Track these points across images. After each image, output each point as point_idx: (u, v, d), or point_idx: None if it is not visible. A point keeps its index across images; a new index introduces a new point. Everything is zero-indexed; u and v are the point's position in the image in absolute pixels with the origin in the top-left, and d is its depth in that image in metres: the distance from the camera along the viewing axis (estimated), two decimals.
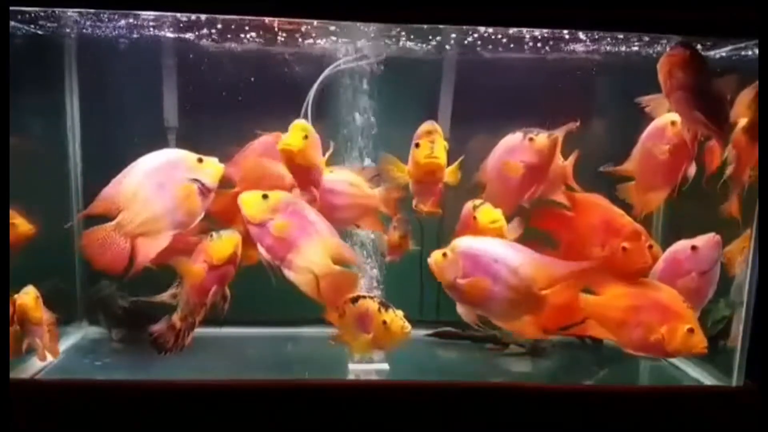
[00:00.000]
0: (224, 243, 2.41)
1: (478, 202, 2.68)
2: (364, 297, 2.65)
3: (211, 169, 2.44)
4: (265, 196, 2.42)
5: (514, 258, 2.37)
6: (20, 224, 2.76)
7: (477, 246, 2.43)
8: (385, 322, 2.57)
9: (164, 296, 2.51)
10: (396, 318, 2.59)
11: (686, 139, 2.58)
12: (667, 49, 2.80)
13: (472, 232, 2.61)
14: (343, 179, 2.68)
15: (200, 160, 2.43)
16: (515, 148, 2.68)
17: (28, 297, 2.47)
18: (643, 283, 2.49)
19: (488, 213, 2.62)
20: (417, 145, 2.59)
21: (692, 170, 2.71)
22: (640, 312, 2.41)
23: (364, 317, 2.61)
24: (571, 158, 2.82)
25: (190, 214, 2.41)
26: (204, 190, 2.42)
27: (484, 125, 3.22)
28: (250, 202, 2.42)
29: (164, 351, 2.49)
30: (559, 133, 2.67)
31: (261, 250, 2.40)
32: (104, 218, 2.42)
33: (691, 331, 2.32)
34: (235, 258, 2.42)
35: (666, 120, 2.74)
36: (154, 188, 2.38)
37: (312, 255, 2.41)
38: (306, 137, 2.43)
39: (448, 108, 3.28)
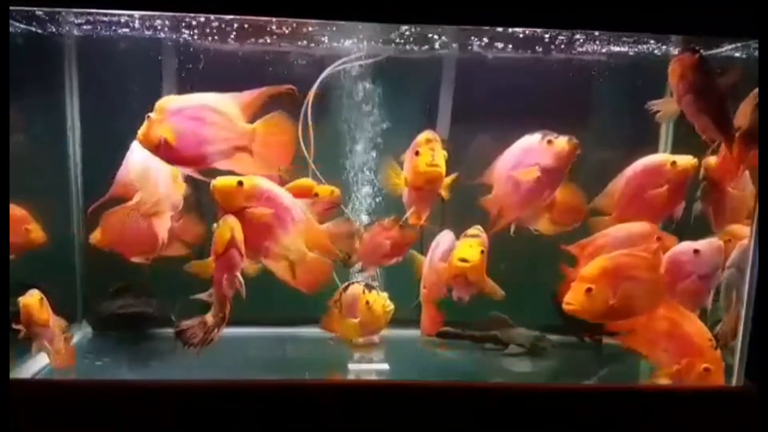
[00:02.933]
0: (221, 230, 2.34)
1: (472, 231, 2.69)
2: (353, 283, 2.79)
3: None
4: (240, 183, 2.34)
5: None
6: (33, 230, 2.79)
7: None
8: (367, 303, 2.71)
9: (203, 296, 2.47)
10: (378, 298, 2.72)
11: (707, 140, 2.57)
12: (671, 49, 2.83)
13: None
14: None
15: None
16: (532, 149, 2.62)
17: (32, 299, 2.46)
18: (681, 312, 2.50)
19: (463, 249, 2.61)
20: (417, 153, 2.58)
21: (680, 210, 2.77)
22: (671, 339, 2.46)
23: (353, 302, 2.74)
24: (559, 191, 2.77)
25: (180, 196, 2.57)
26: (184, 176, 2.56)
27: (483, 126, 3.23)
28: (224, 190, 2.35)
29: (190, 345, 2.41)
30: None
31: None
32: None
33: (707, 370, 2.38)
34: (234, 242, 2.32)
35: (664, 159, 2.80)
36: (157, 171, 2.51)
37: (288, 242, 2.39)
38: (148, 117, 2.31)
39: (448, 109, 3.29)
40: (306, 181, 2.75)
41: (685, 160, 2.77)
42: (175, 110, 2.33)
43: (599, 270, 2.43)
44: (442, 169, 2.58)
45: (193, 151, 2.34)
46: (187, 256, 2.85)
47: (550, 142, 2.55)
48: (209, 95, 2.39)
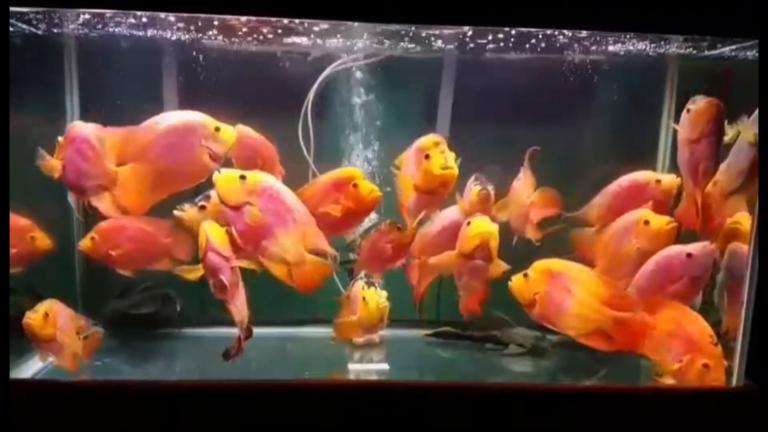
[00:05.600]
0: (199, 236, 2.30)
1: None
2: (359, 279, 2.83)
3: (226, 137, 2.49)
4: (242, 177, 2.31)
5: None
6: (39, 238, 2.77)
7: None
8: (364, 299, 2.74)
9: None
10: (374, 294, 2.74)
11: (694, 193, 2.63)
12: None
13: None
14: None
15: (217, 129, 2.48)
16: (467, 188, 2.82)
17: (35, 316, 2.44)
18: (682, 311, 2.53)
19: (479, 223, 2.63)
20: (427, 157, 2.56)
21: None
22: (673, 339, 2.48)
23: (355, 298, 2.78)
24: (535, 196, 2.94)
25: (193, 178, 2.52)
26: (214, 157, 2.48)
27: (483, 126, 3.24)
28: (226, 183, 2.30)
29: (228, 357, 2.38)
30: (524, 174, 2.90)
31: (234, 233, 2.31)
32: None
33: (705, 366, 2.39)
34: (210, 246, 2.25)
35: (649, 177, 2.90)
36: (165, 148, 2.46)
37: (287, 243, 2.34)
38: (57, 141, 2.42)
39: (448, 108, 3.29)
40: (351, 170, 2.67)
41: (669, 179, 2.87)
42: (71, 139, 2.43)
43: (545, 266, 2.57)
44: (456, 170, 2.58)
45: (73, 182, 2.45)
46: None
47: (473, 188, 2.76)
48: (94, 128, 2.47)
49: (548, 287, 2.53)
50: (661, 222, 2.74)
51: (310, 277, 2.43)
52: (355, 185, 2.58)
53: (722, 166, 2.63)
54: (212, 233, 2.28)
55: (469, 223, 2.65)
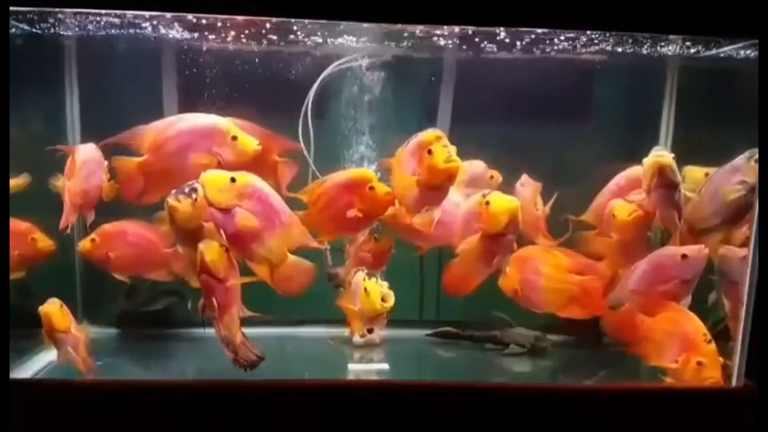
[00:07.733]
0: (198, 255, 2.31)
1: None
2: (359, 270, 2.85)
3: (243, 148, 2.50)
4: (232, 180, 2.28)
5: None
6: (40, 239, 2.77)
7: None
8: (366, 289, 2.74)
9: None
10: (375, 285, 2.74)
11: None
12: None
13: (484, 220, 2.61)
14: None
15: (234, 138, 2.49)
16: None
17: (52, 306, 2.44)
18: (678, 310, 2.55)
19: (500, 198, 2.58)
20: (430, 152, 2.53)
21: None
22: (671, 338, 2.51)
23: (356, 289, 2.81)
24: (544, 209, 3.01)
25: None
26: (224, 165, 2.47)
27: (483, 126, 3.24)
28: (215, 185, 2.27)
29: (245, 367, 2.42)
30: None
31: (222, 236, 2.29)
32: None
33: (699, 364, 2.41)
34: (205, 267, 2.27)
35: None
36: (178, 148, 2.52)
37: (272, 245, 2.35)
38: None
39: (448, 108, 3.29)
40: (365, 172, 2.68)
41: None
42: None
43: (516, 256, 2.72)
44: (460, 162, 2.51)
45: None
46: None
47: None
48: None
49: (523, 275, 2.75)
50: (625, 212, 2.81)
51: (292, 278, 2.43)
52: (371, 188, 2.59)
53: (692, 208, 2.73)
54: (208, 254, 2.27)
55: (488, 203, 2.57)
